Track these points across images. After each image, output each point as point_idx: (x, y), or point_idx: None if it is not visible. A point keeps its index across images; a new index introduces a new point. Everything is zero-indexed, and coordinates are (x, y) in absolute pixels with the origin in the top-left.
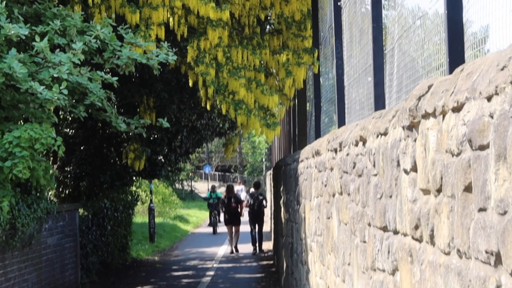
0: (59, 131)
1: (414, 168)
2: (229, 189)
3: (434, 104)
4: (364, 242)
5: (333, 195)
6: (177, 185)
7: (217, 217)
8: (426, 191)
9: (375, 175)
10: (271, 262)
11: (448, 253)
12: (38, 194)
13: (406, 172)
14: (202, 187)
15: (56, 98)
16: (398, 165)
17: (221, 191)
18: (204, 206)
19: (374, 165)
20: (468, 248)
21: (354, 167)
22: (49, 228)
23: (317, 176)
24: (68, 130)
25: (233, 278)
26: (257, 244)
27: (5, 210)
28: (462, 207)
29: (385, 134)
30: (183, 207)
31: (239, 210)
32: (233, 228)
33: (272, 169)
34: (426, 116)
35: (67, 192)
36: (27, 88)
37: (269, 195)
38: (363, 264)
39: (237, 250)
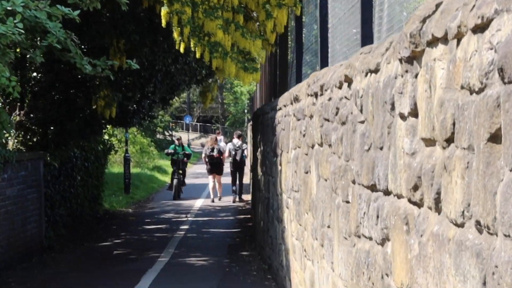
0: (26, 75)
1: (414, 112)
2: (212, 140)
3: (445, 25)
4: (347, 202)
5: (312, 147)
6: (159, 136)
7: (181, 179)
8: (430, 142)
9: (362, 122)
10: (249, 216)
11: (461, 225)
12: None
13: (402, 117)
14: (183, 137)
15: (11, 32)
16: (393, 108)
17: (199, 142)
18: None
19: (361, 110)
20: (494, 221)
21: (337, 114)
22: (8, 178)
23: (295, 125)
24: (36, 74)
25: (207, 232)
26: (237, 192)
27: None
28: (485, 163)
29: (376, 71)
30: (163, 158)
31: (222, 160)
32: (215, 177)
33: (251, 119)
34: (432, 42)
35: (35, 140)
36: None
37: (249, 147)
38: (345, 228)
39: (220, 198)
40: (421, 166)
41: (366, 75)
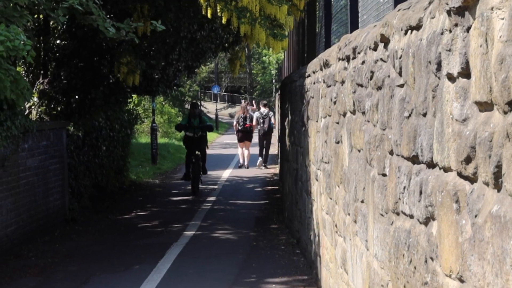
0: (48, 42)
1: (465, 72)
2: (244, 109)
3: None
4: (384, 175)
5: (344, 115)
6: (187, 106)
7: (200, 165)
8: (486, 105)
9: (402, 85)
10: (277, 187)
11: None
12: (17, 109)
13: (451, 78)
14: (211, 108)
15: None
16: (439, 69)
17: (227, 113)
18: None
19: (400, 73)
20: None
21: (371, 78)
22: (28, 148)
23: (325, 92)
24: (59, 41)
25: (235, 204)
26: (263, 158)
27: None
28: None
29: (417, 27)
30: None
31: (252, 128)
32: (246, 144)
33: (279, 88)
34: None
35: (58, 109)
36: None
37: (277, 117)
38: (381, 204)
39: (247, 166)
40: (475, 134)
41: (405, 33)
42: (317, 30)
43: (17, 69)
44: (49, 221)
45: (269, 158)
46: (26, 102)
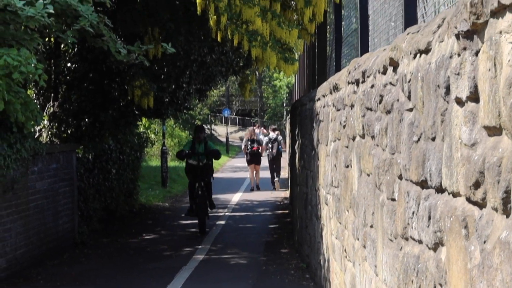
0: (59, 65)
1: (474, 96)
2: (252, 132)
3: None
4: (393, 200)
5: (353, 139)
6: None
7: (206, 197)
8: (494, 130)
9: (410, 109)
10: (287, 211)
11: None
12: (25, 132)
13: (459, 102)
14: (221, 131)
15: (39, 15)
16: (447, 93)
17: (237, 136)
18: (223, 150)
19: (409, 97)
20: None
21: (380, 102)
22: (38, 171)
23: (334, 116)
24: (70, 64)
25: (245, 228)
26: (275, 181)
27: None
28: None
29: (426, 51)
30: None
31: (260, 151)
32: (255, 167)
33: (289, 111)
34: (498, 11)
35: (69, 131)
36: (5, 5)
37: (287, 141)
38: (390, 229)
39: (258, 188)
40: (483, 159)
41: (414, 57)
42: (328, 54)
43: (28, 92)
44: (58, 244)
45: (280, 181)
46: (36, 125)
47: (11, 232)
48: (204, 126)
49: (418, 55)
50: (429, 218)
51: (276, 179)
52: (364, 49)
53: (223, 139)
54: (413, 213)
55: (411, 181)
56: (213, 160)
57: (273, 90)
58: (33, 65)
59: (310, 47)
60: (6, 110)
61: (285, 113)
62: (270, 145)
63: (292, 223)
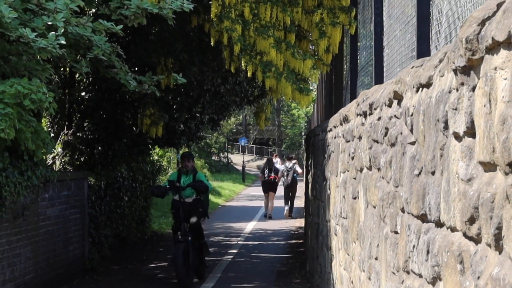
0: (73, 95)
1: (471, 131)
2: (269, 162)
3: (508, 27)
4: (396, 233)
5: (361, 170)
6: (214, 158)
7: (196, 243)
8: (489, 166)
9: (413, 143)
10: (301, 241)
11: None
12: (35, 160)
13: (457, 137)
14: (238, 160)
15: (51, 46)
16: (446, 127)
17: (255, 165)
18: (239, 179)
19: (411, 130)
20: None
21: (386, 134)
22: (49, 197)
23: (344, 147)
24: (84, 94)
25: (257, 257)
26: (287, 210)
27: None
28: None
29: (427, 85)
30: (217, 179)
31: (276, 180)
32: (270, 195)
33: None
34: (493, 48)
35: (82, 159)
36: (18, 37)
37: (303, 170)
38: (393, 262)
39: (270, 217)
40: (478, 194)
41: (417, 91)
42: (344, 84)
43: (42, 120)
44: (68, 270)
45: (295, 211)
46: (48, 153)
47: (20, 257)
48: (223, 154)
49: (420, 89)
50: (428, 252)
51: (286, 207)
52: (378, 79)
53: (240, 168)
54: (413, 246)
55: (412, 214)
56: (207, 194)
57: (291, 119)
58: (44, 94)
59: (327, 77)
60: (17, 138)
61: (303, 142)
62: (285, 173)
63: (305, 253)
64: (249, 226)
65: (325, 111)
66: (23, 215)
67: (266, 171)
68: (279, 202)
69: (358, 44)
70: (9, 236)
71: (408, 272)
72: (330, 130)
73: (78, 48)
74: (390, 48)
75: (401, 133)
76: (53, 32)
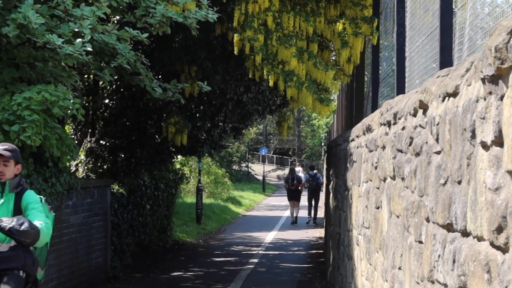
0: (97, 102)
1: (498, 141)
2: (292, 171)
3: None
4: (420, 242)
5: (384, 180)
6: (235, 167)
7: None
8: None
9: (438, 152)
10: (321, 251)
11: None
12: (60, 166)
13: (485, 146)
14: (258, 169)
15: (78, 53)
16: (473, 136)
17: (275, 175)
18: (259, 189)
19: (437, 139)
20: None
21: (410, 144)
22: (72, 205)
23: (367, 157)
24: (108, 101)
25: (277, 267)
26: (312, 214)
27: None
28: None
29: (454, 94)
30: (237, 189)
31: (299, 188)
32: (294, 203)
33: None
34: None
35: (105, 167)
36: (44, 43)
37: (324, 180)
38: (417, 271)
39: (296, 221)
40: (506, 204)
41: (443, 100)
42: (365, 94)
43: (66, 127)
44: (90, 278)
45: (317, 220)
46: (72, 160)
47: None
48: (244, 164)
49: (447, 98)
50: (454, 261)
51: (309, 219)
52: (400, 90)
53: (260, 177)
54: (439, 256)
55: (437, 224)
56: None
57: (311, 129)
58: (70, 100)
59: (347, 87)
60: (42, 145)
61: (323, 153)
62: (310, 179)
63: (325, 263)
64: (270, 236)
65: (345, 122)
66: None
67: (290, 180)
68: (303, 213)
69: (381, 54)
70: None
71: (432, 282)
72: (353, 140)
73: (102, 55)
74: (411, 59)
75: (426, 142)
76: (79, 39)
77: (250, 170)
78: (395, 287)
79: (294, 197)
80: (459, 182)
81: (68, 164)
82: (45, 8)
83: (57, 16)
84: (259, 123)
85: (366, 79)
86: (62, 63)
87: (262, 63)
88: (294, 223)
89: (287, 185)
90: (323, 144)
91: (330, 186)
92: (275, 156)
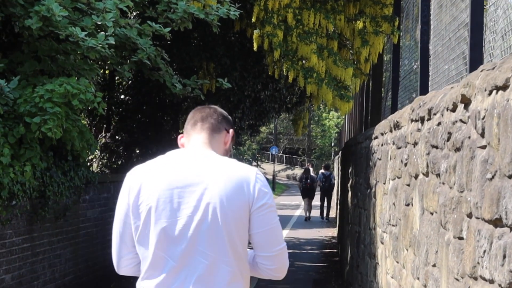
0: (113, 97)
1: None
2: (306, 171)
3: None
4: (460, 238)
5: (416, 177)
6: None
7: None
8: None
9: (483, 147)
10: (335, 250)
11: None
12: (80, 160)
13: None
14: (269, 168)
15: (100, 46)
16: None
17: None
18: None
19: (482, 134)
20: None
21: (448, 139)
22: (90, 199)
23: (394, 154)
24: (124, 96)
25: (292, 265)
26: (325, 214)
27: (27, 175)
28: None
29: (504, 87)
30: None
31: (313, 187)
32: (308, 201)
33: (340, 152)
34: None
35: (119, 163)
36: (67, 36)
37: (336, 180)
38: (457, 268)
39: (309, 219)
40: None
41: (490, 94)
42: (383, 87)
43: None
44: (105, 272)
45: (327, 223)
46: (91, 154)
47: (60, 258)
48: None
49: (495, 91)
50: (504, 256)
51: (321, 219)
52: (424, 90)
53: (270, 177)
54: (484, 251)
55: (483, 219)
56: None
57: (321, 129)
58: (92, 94)
59: (362, 87)
60: (62, 138)
61: (333, 153)
62: (323, 179)
63: (340, 263)
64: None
65: (359, 121)
66: (65, 216)
67: (304, 179)
68: (315, 212)
69: (400, 53)
70: (50, 237)
71: (475, 278)
72: (376, 137)
73: (122, 50)
74: (435, 57)
75: (469, 137)
76: (102, 32)
77: (260, 169)
78: (429, 284)
79: (308, 195)
80: (510, 177)
81: (86, 158)
82: (68, 1)
83: (79, 10)
84: (273, 122)
85: (383, 77)
86: (85, 56)
87: (281, 59)
88: (308, 219)
89: (301, 184)
90: (333, 144)
91: (349, 185)
92: (284, 155)
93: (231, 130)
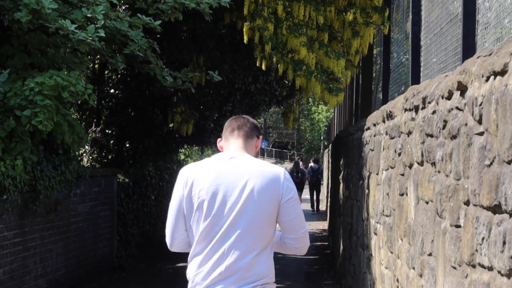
0: (103, 91)
1: None
2: (296, 164)
3: None
4: (458, 226)
5: (410, 166)
6: None
7: None
8: None
9: (481, 133)
10: (326, 243)
11: None
12: (71, 154)
13: None
14: None
15: (90, 39)
16: None
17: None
18: None
19: (479, 121)
20: None
21: (444, 127)
22: (80, 193)
23: (387, 144)
24: (114, 90)
25: (283, 258)
26: (315, 206)
27: (18, 169)
28: None
29: (502, 73)
30: None
31: (304, 180)
32: (299, 193)
33: (330, 145)
34: None
35: (109, 157)
36: (57, 29)
37: (326, 173)
38: (454, 256)
39: None
40: None
41: (487, 80)
42: (373, 79)
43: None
44: (97, 267)
45: (317, 215)
46: (81, 148)
47: (52, 253)
48: None
49: (492, 77)
50: (504, 243)
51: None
52: (416, 80)
53: None
54: (483, 239)
55: (481, 206)
56: None
57: (310, 123)
58: (83, 86)
59: (351, 80)
60: (53, 132)
61: (322, 147)
62: (311, 173)
63: (332, 255)
64: None
65: (349, 114)
66: (56, 210)
67: (294, 173)
68: (306, 206)
69: (391, 44)
70: (41, 231)
71: (474, 266)
72: (368, 128)
73: (113, 43)
74: (426, 48)
75: (466, 124)
76: (92, 25)
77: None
78: (425, 273)
79: (298, 188)
80: (509, 162)
81: (76, 152)
82: None
83: (69, 2)
84: (264, 115)
85: (373, 69)
86: (75, 49)
87: (271, 52)
88: None
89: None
90: (322, 138)
91: (340, 176)
92: (274, 149)
93: (260, 136)
